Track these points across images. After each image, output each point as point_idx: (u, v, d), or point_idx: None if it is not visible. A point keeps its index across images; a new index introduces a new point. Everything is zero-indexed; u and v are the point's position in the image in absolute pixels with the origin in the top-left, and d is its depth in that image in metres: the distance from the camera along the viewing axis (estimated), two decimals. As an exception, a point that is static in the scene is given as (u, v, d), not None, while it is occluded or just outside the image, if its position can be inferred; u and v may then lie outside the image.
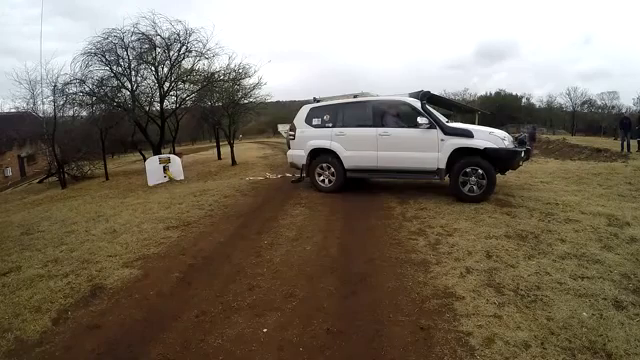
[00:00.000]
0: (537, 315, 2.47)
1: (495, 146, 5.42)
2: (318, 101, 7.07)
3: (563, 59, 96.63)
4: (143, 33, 12.60)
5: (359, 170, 6.48)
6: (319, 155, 6.78)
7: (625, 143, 13.60)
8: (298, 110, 7.25)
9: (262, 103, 17.55)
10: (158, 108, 14.07)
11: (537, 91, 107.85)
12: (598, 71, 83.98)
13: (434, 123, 5.73)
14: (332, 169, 6.67)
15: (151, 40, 12.75)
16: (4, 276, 3.76)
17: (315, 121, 6.87)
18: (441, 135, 5.66)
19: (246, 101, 16.06)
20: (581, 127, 46.26)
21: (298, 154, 7.03)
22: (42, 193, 13.53)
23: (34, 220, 6.69)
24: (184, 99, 14.91)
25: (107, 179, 14.70)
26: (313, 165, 6.85)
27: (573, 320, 2.38)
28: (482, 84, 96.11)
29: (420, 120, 5.71)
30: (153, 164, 11.09)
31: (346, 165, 6.50)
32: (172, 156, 11.95)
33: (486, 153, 5.43)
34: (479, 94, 57.22)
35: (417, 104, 5.98)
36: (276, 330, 2.50)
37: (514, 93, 55.32)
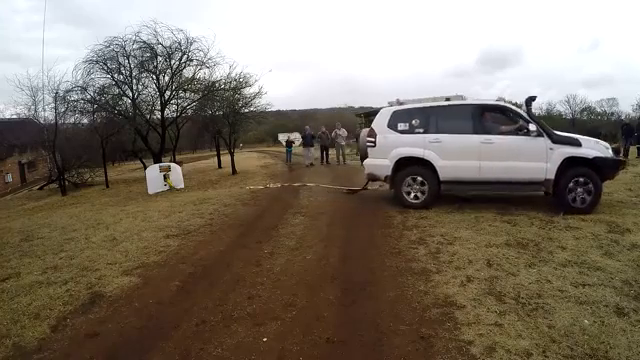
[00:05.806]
0: (538, 323, 2.46)
1: (603, 155, 5.16)
2: (401, 103, 6.21)
3: (567, 66, 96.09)
4: (145, 41, 12.71)
5: (457, 182, 5.79)
6: (407, 165, 5.92)
7: (625, 149, 13.63)
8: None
9: (263, 112, 17.63)
10: (159, 116, 14.13)
11: (537, 99, 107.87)
12: (601, 78, 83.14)
13: (542, 131, 5.34)
14: (424, 182, 5.79)
15: (152, 49, 12.86)
16: (3, 282, 3.76)
17: (401, 126, 5.97)
18: (549, 143, 5.27)
19: (247, 110, 16.12)
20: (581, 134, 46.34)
21: (380, 164, 6.08)
22: (42, 200, 13.50)
23: (34, 227, 6.68)
24: (185, 108, 14.97)
25: (107, 187, 14.67)
26: (400, 177, 5.94)
27: (575, 328, 2.38)
28: (483, 92, 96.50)
29: (530, 127, 5.30)
30: (153, 172, 11.08)
31: (442, 176, 5.72)
32: (172, 164, 11.94)
33: (594, 163, 5.12)
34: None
35: (521, 109, 5.66)
36: (276, 339, 2.49)
37: (513, 101, 55.74)
